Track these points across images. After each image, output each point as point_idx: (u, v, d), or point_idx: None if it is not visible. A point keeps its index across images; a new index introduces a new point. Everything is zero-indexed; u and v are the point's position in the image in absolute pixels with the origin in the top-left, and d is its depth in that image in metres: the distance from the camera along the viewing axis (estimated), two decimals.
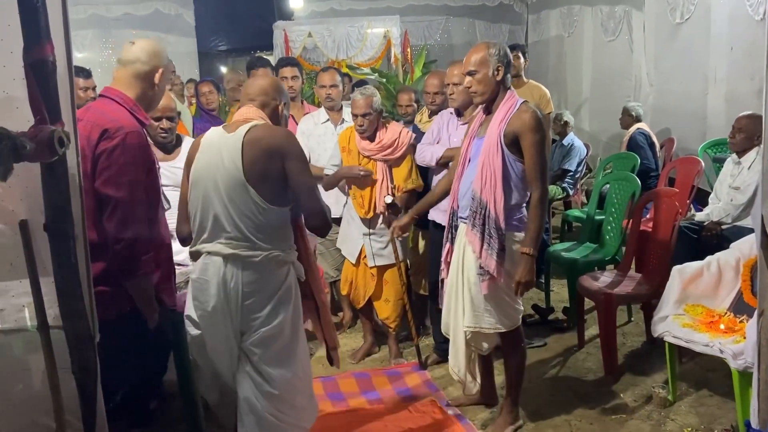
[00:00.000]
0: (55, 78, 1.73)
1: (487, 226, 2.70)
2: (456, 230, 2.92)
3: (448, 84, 3.44)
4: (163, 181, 3.08)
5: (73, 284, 1.83)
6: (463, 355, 2.95)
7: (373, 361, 3.92)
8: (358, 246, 3.73)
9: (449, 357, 3.05)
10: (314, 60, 8.30)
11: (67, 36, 1.78)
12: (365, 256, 3.72)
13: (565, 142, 6.29)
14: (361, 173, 3.58)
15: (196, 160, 2.30)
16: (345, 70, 7.66)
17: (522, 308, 2.93)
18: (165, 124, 3.11)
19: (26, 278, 1.83)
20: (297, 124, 4.15)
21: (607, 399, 3.31)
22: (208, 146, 2.29)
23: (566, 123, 6.29)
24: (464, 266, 2.84)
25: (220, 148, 2.23)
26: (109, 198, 2.23)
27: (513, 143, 2.70)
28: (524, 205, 2.81)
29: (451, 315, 2.96)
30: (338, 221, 3.93)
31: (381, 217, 3.65)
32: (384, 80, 7.36)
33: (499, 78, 2.74)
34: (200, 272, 2.28)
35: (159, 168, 3.05)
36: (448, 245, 2.97)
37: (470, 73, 2.76)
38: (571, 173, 6.16)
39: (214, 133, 2.33)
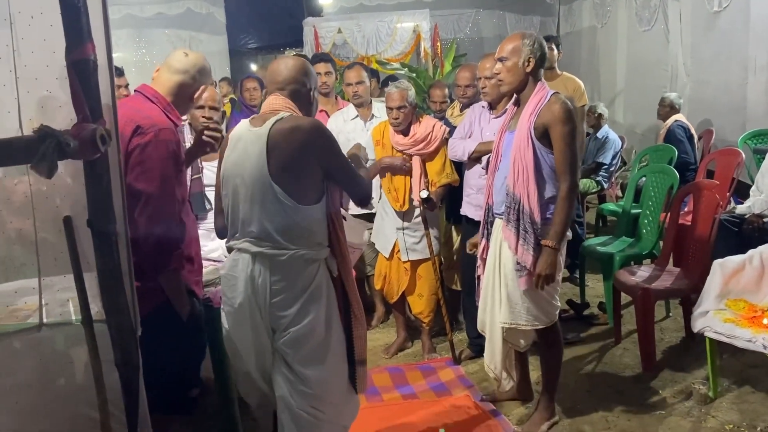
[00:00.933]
0: (96, 77, 1.76)
1: (521, 221, 2.68)
2: (491, 226, 2.90)
3: (480, 77, 3.41)
4: (205, 181, 3.13)
5: (115, 279, 1.86)
6: (499, 352, 2.93)
7: (406, 356, 3.92)
8: (392, 240, 3.73)
9: (485, 354, 3.04)
10: (344, 56, 8.31)
11: (107, 36, 1.81)
12: (399, 251, 3.72)
13: (599, 134, 6.18)
14: (406, 165, 3.59)
15: (225, 156, 2.24)
16: (375, 65, 7.68)
17: (559, 304, 2.90)
18: (207, 112, 3.10)
19: (70, 273, 1.88)
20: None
21: (646, 395, 3.26)
22: (235, 141, 2.21)
23: (600, 115, 6.19)
24: (501, 262, 2.81)
25: (246, 144, 2.16)
26: (140, 193, 2.24)
27: (544, 135, 2.67)
28: None
29: (487, 312, 2.94)
30: (368, 217, 3.94)
31: (415, 211, 3.64)
32: (414, 75, 7.33)
33: (528, 69, 2.71)
34: (229, 268, 2.23)
35: (202, 168, 3.10)
36: (483, 241, 2.95)
37: (500, 59, 2.75)
38: (606, 166, 6.05)
39: (241, 127, 2.24)
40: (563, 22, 10.50)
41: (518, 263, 2.71)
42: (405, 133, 3.60)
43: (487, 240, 2.93)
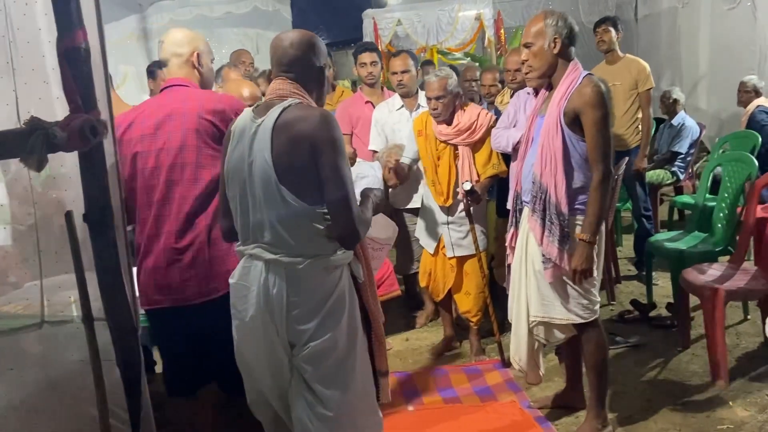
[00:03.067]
0: (89, 66, 1.70)
1: (547, 212, 2.52)
2: (520, 214, 2.74)
3: (508, 70, 3.21)
4: None
5: (114, 276, 1.80)
6: (525, 345, 2.76)
7: (453, 356, 3.74)
8: (437, 236, 3.56)
9: (511, 346, 2.88)
10: (406, 48, 8.14)
11: (99, 23, 1.75)
12: (444, 247, 3.55)
13: (674, 121, 5.76)
14: (394, 151, 3.50)
15: (229, 152, 1.97)
16: (435, 56, 7.48)
17: (598, 299, 2.67)
18: None
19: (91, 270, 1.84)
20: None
21: (713, 407, 2.94)
22: (239, 134, 1.94)
23: (676, 101, 5.75)
24: (528, 253, 2.66)
25: (251, 139, 1.89)
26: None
27: (574, 121, 2.47)
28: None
29: (513, 302, 2.78)
30: (414, 211, 3.79)
31: (460, 204, 3.46)
32: (477, 64, 7.07)
33: (556, 51, 2.51)
34: (240, 276, 1.98)
35: None
36: (512, 230, 2.80)
37: (526, 45, 2.57)
38: (682, 156, 5.63)
39: (245, 117, 1.97)
40: (641, 4, 9.88)
41: (544, 255, 2.55)
42: (448, 122, 3.42)
43: (516, 228, 2.77)
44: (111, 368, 1.87)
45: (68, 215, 1.85)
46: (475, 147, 3.45)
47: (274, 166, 1.84)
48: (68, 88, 1.69)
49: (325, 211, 1.89)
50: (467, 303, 3.60)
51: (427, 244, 3.64)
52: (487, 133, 3.43)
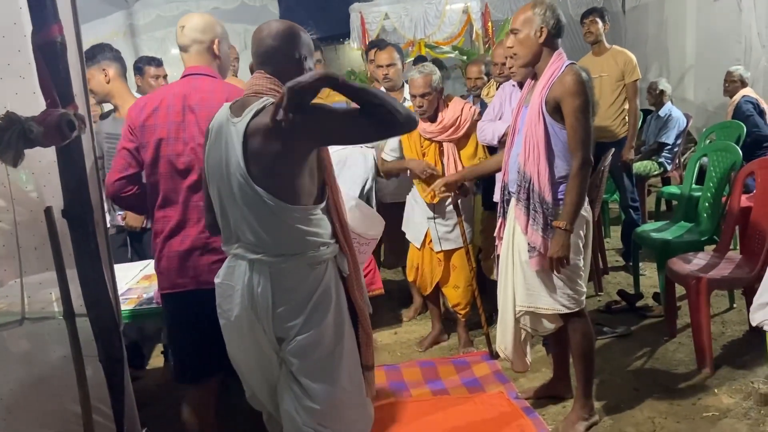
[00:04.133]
0: (65, 60, 1.70)
1: (531, 200, 2.53)
2: (508, 204, 2.76)
3: (507, 57, 3.18)
4: None
5: (94, 272, 1.80)
6: (511, 334, 2.77)
7: (441, 349, 3.75)
8: (423, 230, 3.57)
9: (497, 334, 2.89)
10: (393, 42, 8.13)
11: (75, 16, 1.73)
12: (431, 241, 3.55)
13: (661, 113, 5.78)
14: (428, 172, 3.37)
15: (206, 151, 1.92)
16: (423, 50, 7.47)
17: (584, 289, 2.68)
18: None
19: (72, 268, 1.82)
20: None
21: (698, 394, 2.96)
22: (216, 134, 1.88)
23: (662, 92, 5.77)
24: (514, 243, 2.68)
25: (227, 139, 1.83)
26: None
27: (556, 110, 2.48)
28: None
29: (500, 292, 2.79)
30: (403, 205, 3.78)
31: (447, 200, 3.46)
32: (465, 57, 7.08)
33: (541, 40, 2.52)
34: (225, 276, 1.95)
35: None
36: (500, 219, 2.82)
37: (513, 32, 2.58)
38: (669, 146, 5.65)
39: (221, 115, 1.90)
40: None
41: (529, 244, 2.57)
42: (432, 119, 3.39)
43: (504, 218, 2.79)
44: (94, 364, 1.86)
45: (48, 211, 1.85)
46: (460, 142, 3.45)
47: (248, 167, 1.78)
48: (44, 82, 1.69)
49: (309, 209, 1.86)
50: (455, 296, 3.60)
51: (414, 238, 3.64)
52: (472, 127, 3.42)
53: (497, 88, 3.70)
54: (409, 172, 3.53)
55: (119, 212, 3.22)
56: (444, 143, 3.42)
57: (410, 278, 3.77)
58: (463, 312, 3.63)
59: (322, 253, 1.91)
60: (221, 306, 1.97)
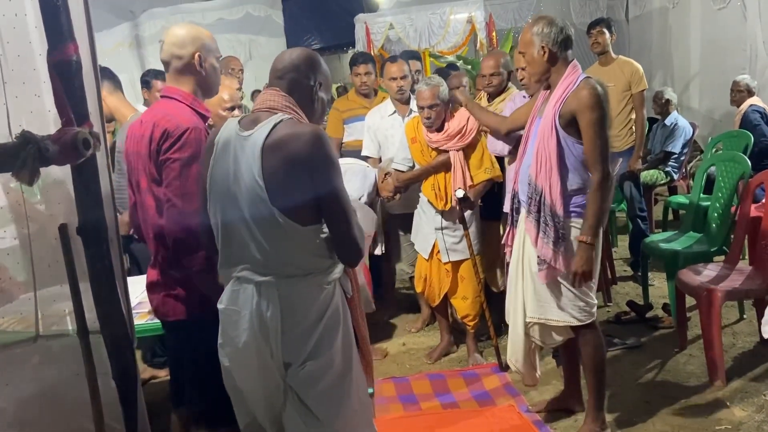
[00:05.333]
0: (80, 78, 1.70)
1: (542, 213, 2.54)
2: (518, 213, 2.76)
3: (518, 69, 3.21)
4: None
5: (108, 289, 1.79)
6: (521, 346, 2.77)
7: (450, 361, 3.73)
8: (431, 241, 3.57)
9: (508, 347, 2.88)
10: (398, 52, 8.15)
11: (90, 35, 1.74)
12: (438, 252, 3.55)
13: (667, 122, 5.76)
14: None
15: (211, 165, 1.86)
16: (428, 60, 7.48)
17: (595, 301, 2.67)
18: (237, 113, 3.00)
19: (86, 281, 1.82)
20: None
21: (711, 408, 2.94)
22: (222, 148, 1.83)
23: (668, 101, 5.76)
24: (524, 254, 2.68)
25: (236, 153, 1.79)
26: (171, 196, 2.11)
27: (571, 123, 2.49)
28: (587, 189, 2.57)
29: (510, 303, 2.79)
30: (409, 216, 3.77)
31: (455, 211, 3.45)
32: (469, 67, 7.09)
33: (545, 58, 2.54)
34: (229, 301, 1.87)
35: None
36: (509, 227, 2.83)
37: (520, 53, 2.64)
38: (676, 156, 5.63)
39: (229, 129, 1.85)
40: (632, 5, 9.91)
41: (539, 257, 2.57)
42: (439, 128, 3.42)
43: (513, 227, 2.79)
44: (107, 381, 1.86)
45: (62, 228, 1.84)
46: (467, 151, 3.44)
47: (266, 186, 1.74)
48: (60, 101, 1.69)
49: (320, 228, 1.84)
50: (464, 307, 3.60)
51: (422, 249, 3.64)
52: (478, 136, 3.43)
53: (489, 99, 3.69)
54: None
55: None
56: (451, 152, 3.42)
57: (418, 289, 3.77)
58: (471, 323, 3.62)
59: (329, 275, 1.87)
60: (227, 332, 1.89)
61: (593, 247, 2.51)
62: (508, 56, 3.79)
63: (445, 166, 3.44)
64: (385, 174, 3.66)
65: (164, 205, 2.10)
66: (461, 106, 3.41)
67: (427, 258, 3.61)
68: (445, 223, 3.50)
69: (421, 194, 3.60)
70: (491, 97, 3.68)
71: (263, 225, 1.77)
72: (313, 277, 1.83)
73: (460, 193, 3.30)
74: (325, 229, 1.85)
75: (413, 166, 3.60)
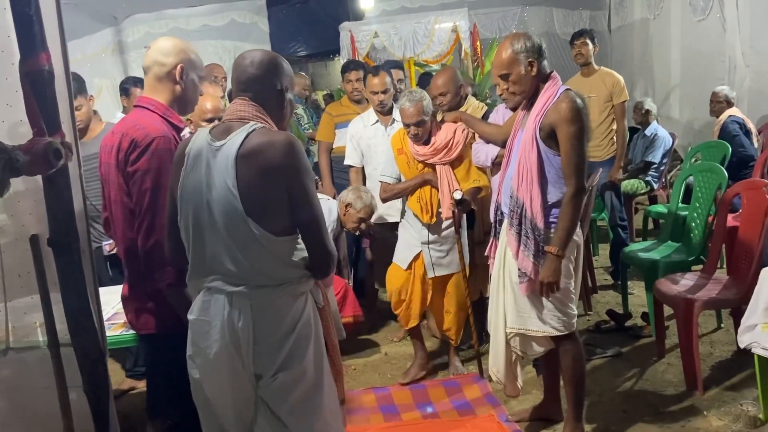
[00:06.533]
0: (52, 88, 1.69)
1: (523, 226, 2.55)
2: (500, 225, 2.77)
3: (496, 85, 3.19)
4: None
5: (80, 300, 1.78)
6: (503, 356, 2.77)
7: (432, 367, 3.70)
8: (414, 252, 3.45)
9: (489, 357, 2.88)
10: (383, 60, 8.17)
11: (63, 45, 1.73)
12: (419, 265, 3.45)
13: (647, 132, 5.84)
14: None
15: (182, 176, 1.83)
16: (413, 69, 7.51)
17: (575, 312, 2.68)
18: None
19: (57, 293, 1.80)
20: None
21: (688, 416, 2.96)
22: (194, 159, 1.81)
23: (648, 111, 5.83)
24: (506, 265, 2.69)
25: (209, 163, 1.77)
26: (139, 208, 2.11)
27: (551, 136, 2.50)
28: None
29: (492, 314, 2.80)
30: (396, 226, 3.73)
31: (443, 224, 3.38)
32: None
33: (534, 73, 2.55)
34: (200, 311, 1.84)
35: None
36: (492, 240, 2.83)
37: (503, 77, 2.59)
38: (656, 165, 5.71)
39: (200, 139, 1.83)
40: (614, 16, 10.04)
41: (519, 269, 2.58)
42: (426, 142, 3.34)
43: (496, 239, 2.80)
44: (78, 393, 1.83)
45: (33, 239, 1.83)
46: (453, 164, 3.37)
47: (240, 196, 1.72)
48: (31, 111, 1.68)
49: (294, 239, 1.83)
50: (448, 321, 3.53)
51: (401, 258, 3.51)
52: (465, 149, 3.37)
53: (441, 120, 3.56)
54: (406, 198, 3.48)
55: (106, 242, 3.16)
56: (437, 166, 3.36)
57: (395, 310, 3.56)
58: (455, 337, 3.57)
59: (301, 286, 1.86)
60: (197, 344, 1.85)
61: (561, 259, 2.51)
62: (457, 71, 3.71)
63: (430, 183, 3.36)
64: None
65: (133, 217, 2.08)
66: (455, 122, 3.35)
67: (405, 267, 3.47)
68: (431, 237, 3.41)
69: (407, 207, 3.51)
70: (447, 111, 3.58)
71: (237, 235, 1.76)
72: (285, 288, 1.81)
73: (458, 195, 3.21)
74: (299, 241, 1.85)
75: (400, 178, 3.49)
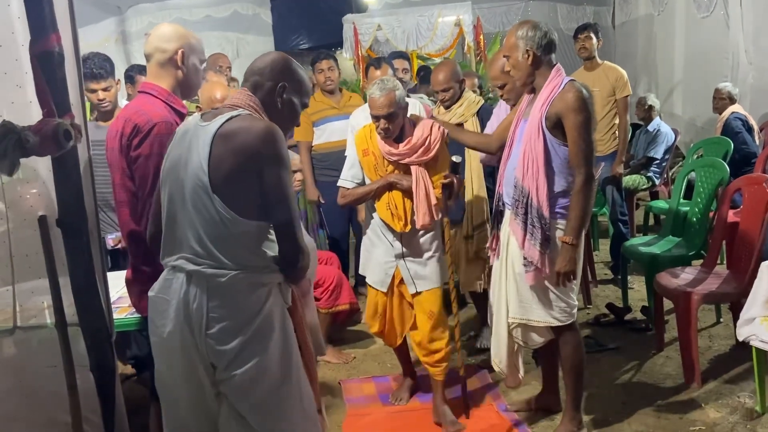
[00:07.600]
0: (62, 69, 1.70)
1: (529, 215, 2.56)
2: (502, 216, 2.78)
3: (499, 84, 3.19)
4: None
5: (88, 281, 1.80)
6: (505, 347, 2.79)
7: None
8: (390, 271, 2.99)
9: (491, 348, 2.89)
10: (386, 53, 8.18)
11: (73, 26, 1.74)
12: (399, 283, 3.00)
13: (650, 127, 5.85)
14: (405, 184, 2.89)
15: (167, 153, 1.87)
16: (415, 61, 7.51)
17: (576, 302, 2.71)
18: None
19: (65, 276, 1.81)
20: None
21: (686, 409, 2.99)
22: (180, 136, 1.85)
23: (651, 107, 5.84)
24: (509, 255, 2.70)
25: (191, 141, 1.79)
26: (142, 192, 2.15)
27: (556, 126, 2.52)
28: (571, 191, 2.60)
29: (494, 304, 2.81)
30: None
31: (418, 232, 2.94)
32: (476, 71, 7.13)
33: (530, 61, 2.58)
34: (160, 290, 1.82)
35: None
36: (494, 231, 2.83)
37: (505, 56, 2.67)
38: (657, 161, 5.72)
39: (191, 120, 1.88)
40: (618, 12, 10.04)
41: (525, 258, 2.59)
42: (398, 140, 2.89)
43: (497, 230, 2.81)
44: (85, 373, 1.86)
45: (42, 220, 1.84)
46: (429, 165, 2.91)
47: (209, 172, 1.72)
48: (41, 91, 1.69)
49: (263, 227, 1.81)
50: (430, 346, 3.00)
51: (378, 281, 3.03)
52: (441, 148, 2.94)
53: (445, 108, 3.54)
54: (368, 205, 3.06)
55: (110, 235, 3.16)
56: (412, 167, 2.89)
57: (373, 330, 3.17)
58: (440, 367, 3.01)
59: (264, 276, 1.82)
60: (154, 321, 1.84)
61: (576, 248, 2.54)
62: (457, 65, 3.67)
63: (396, 186, 2.90)
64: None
65: (137, 201, 2.11)
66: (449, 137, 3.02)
67: (385, 291, 3.02)
68: (406, 250, 2.95)
69: (374, 216, 3.02)
70: (447, 107, 3.58)
71: (202, 212, 1.75)
72: (245, 273, 1.77)
73: (457, 158, 2.91)
74: (268, 230, 1.82)
75: (364, 182, 3.00)
